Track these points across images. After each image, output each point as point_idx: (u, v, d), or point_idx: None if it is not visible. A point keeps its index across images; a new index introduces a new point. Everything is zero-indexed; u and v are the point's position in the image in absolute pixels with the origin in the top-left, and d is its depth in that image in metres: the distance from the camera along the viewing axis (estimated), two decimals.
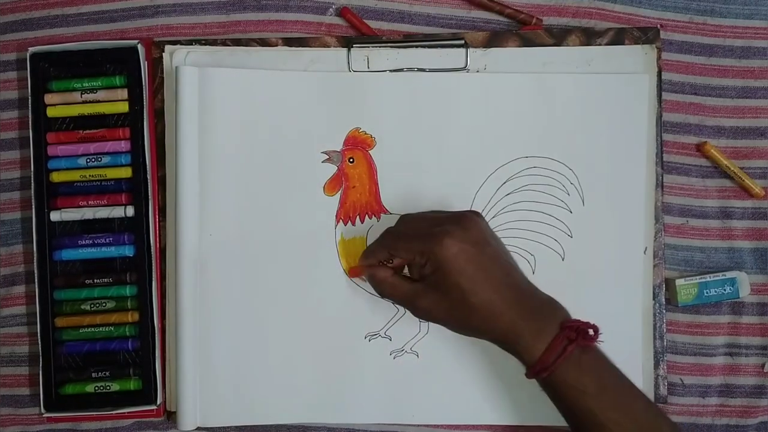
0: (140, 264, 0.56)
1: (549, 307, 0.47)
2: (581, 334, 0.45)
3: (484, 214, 0.56)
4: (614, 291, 0.56)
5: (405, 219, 0.51)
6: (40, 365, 0.56)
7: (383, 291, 0.50)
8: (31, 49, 0.56)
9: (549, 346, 0.45)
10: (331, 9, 0.59)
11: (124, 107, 0.57)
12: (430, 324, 0.56)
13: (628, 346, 0.56)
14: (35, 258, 0.56)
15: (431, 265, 0.47)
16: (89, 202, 0.56)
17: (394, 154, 0.56)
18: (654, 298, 0.57)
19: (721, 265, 0.58)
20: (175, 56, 0.57)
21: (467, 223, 0.47)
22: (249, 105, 0.56)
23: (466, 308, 0.46)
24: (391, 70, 0.57)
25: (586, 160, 0.56)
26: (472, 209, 0.50)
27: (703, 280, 0.57)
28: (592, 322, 0.46)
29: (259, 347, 0.56)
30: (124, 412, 0.56)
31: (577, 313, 0.56)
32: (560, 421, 0.57)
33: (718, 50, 0.59)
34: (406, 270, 0.51)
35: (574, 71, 0.57)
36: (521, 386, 0.56)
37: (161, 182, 0.57)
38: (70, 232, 0.57)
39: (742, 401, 0.57)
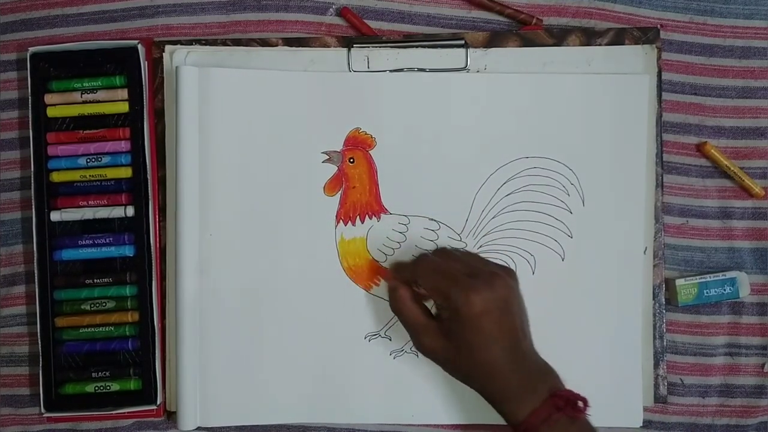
0: (140, 264, 0.56)
1: (543, 373, 0.47)
2: (569, 404, 0.45)
3: (483, 215, 0.56)
4: (614, 291, 0.56)
5: (444, 252, 0.51)
6: (40, 365, 0.56)
7: (397, 309, 0.50)
8: (32, 49, 0.56)
9: (534, 411, 0.45)
10: (331, 9, 0.59)
11: (124, 107, 0.56)
12: None
13: (628, 346, 0.56)
14: (35, 258, 0.56)
15: (450, 312, 0.47)
16: (89, 202, 0.56)
17: (395, 154, 0.56)
18: (654, 298, 0.57)
19: (721, 265, 0.58)
20: (175, 56, 0.57)
21: (498, 283, 0.47)
22: (249, 105, 0.56)
23: (469, 361, 0.47)
24: (391, 70, 0.57)
25: (586, 161, 0.56)
26: (509, 268, 0.50)
27: (703, 280, 0.57)
28: (582, 395, 0.46)
29: (259, 347, 0.56)
30: (124, 412, 0.56)
31: (576, 313, 0.56)
32: None
33: (718, 50, 0.59)
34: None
35: (574, 71, 0.57)
36: None
37: (161, 182, 0.57)
38: (70, 232, 0.57)
39: (742, 401, 0.57)
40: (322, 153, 0.56)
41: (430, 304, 0.51)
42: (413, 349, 0.56)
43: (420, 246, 0.56)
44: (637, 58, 0.57)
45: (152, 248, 0.56)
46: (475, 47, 0.57)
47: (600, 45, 0.57)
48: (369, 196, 0.56)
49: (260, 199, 0.56)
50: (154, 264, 0.56)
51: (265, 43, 0.57)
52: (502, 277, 0.47)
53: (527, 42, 0.57)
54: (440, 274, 0.48)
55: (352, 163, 0.56)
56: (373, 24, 0.59)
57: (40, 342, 0.56)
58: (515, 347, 0.47)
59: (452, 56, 0.57)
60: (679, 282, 0.57)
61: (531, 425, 0.44)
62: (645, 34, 0.57)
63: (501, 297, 0.46)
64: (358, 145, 0.56)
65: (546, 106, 0.56)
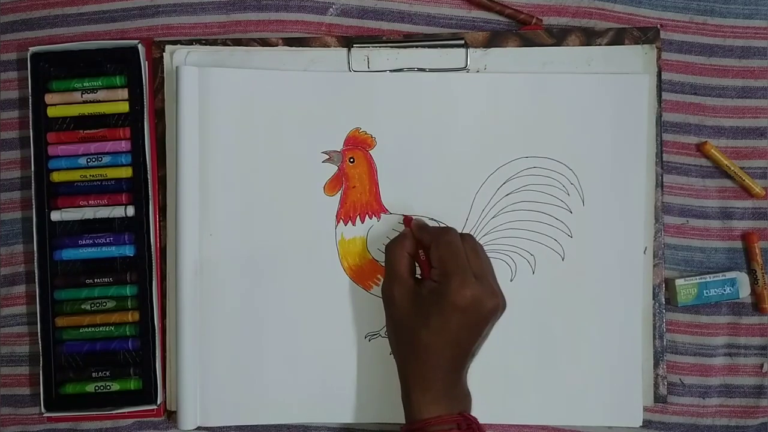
0: (140, 264, 0.56)
1: (464, 394, 0.50)
2: (471, 428, 0.47)
3: (483, 215, 0.56)
4: (614, 291, 0.56)
5: (472, 241, 0.51)
6: (41, 365, 0.56)
7: (392, 250, 0.51)
8: (32, 49, 0.56)
9: (440, 416, 0.47)
10: (331, 9, 0.59)
11: (124, 107, 0.57)
12: None
13: (628, 346, 0.56)
14: (35, 258, 0.56)
15: (438, 287, 0.48)
16: (89, 202, 0.56)
17: (395, 154, 0.56)
18: (654, 298, 0.57)
19: (721, 265, 0.58)
20: (176, 56, 0.57)
21: (490, 301, 0.48)
22: (249, 105, 0.56)
23: (415, 334, 0.48)
24: (391, 70, 0.57)
25: (586, 160, 0.56)
26: (505, 301, 0.50)
27: (703, 280, 0.57)
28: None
29: (259, 347, 0.56)
30: (124, 412, 0.56)
31: (577, 313, 0.56)
32: (561, 421, 0.58)
33: (718, 50, 0.59)
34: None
35: (574, 71, 0.57)
36: (519, 386, 0.56)
37: (161, 182, 0.57)
38: (70, 232, 0.57)
39: (742, 401, 0.57)
40: (322, 153, 0.56)
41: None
42: None
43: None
44: (637, 58, 0.57)
45: (152, 248, 0.56)
46: (475, 47, 0.57)
47: (600, 45, 0.57)
48: (369, 195, 0.56)
49: (260, 199, 0.56)
50: (154, 264, 0.56)
51: (265, 43, 0.57)
52: (498, 298, 0.49)
53: (527, 42, 0.57)
54: (454, 254, 0.49)
55: (352, 162, 0.56)
56: (373, 24, 0.59)
57: (40, 342, 0.56)
58: (459, 357, 0.48)
59: (452, 56, 0.57)
60: (679, 282, 0.57)
61: (427, 426, 0.47)
62: (645, 34, 0.57)
63: (485, 309, 0.48)
64: (358, 144, 0.56)
65: (546, 105, 0.56)
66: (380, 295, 0.55)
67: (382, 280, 0.56)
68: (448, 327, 0.47)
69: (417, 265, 0.52)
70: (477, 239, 0.56)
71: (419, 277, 0.52)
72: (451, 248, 0.49)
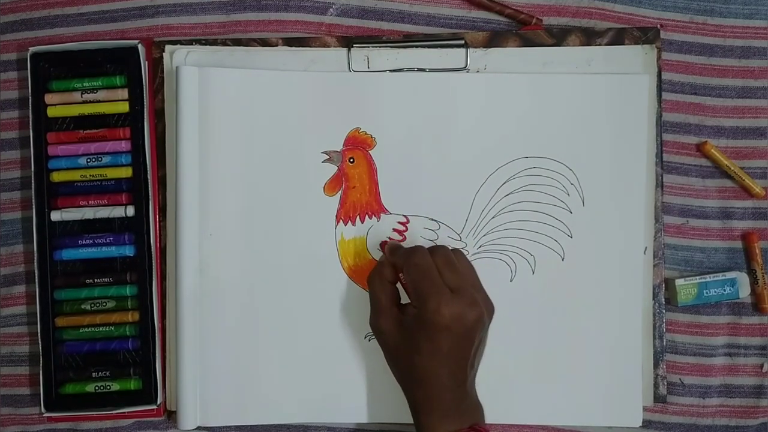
0: (140, 264, 0.56)
1: (474, 405, 0.49)
2: None
3: (483, 215, 0.56)
4: (614, 291, 0.56)
5: (445, 255, 0.50)
6: (40, 365, 0.56)
7: (372, 283, 0.51)
8: (32, 49, 0.56)
9: None
10: (331, 9, 0.59)
11: (124, 107, 0.57)
12: None
13: (628, 346, 0.56)
14: (35, 258, 0.56)
15: (418, 311, 0.47)
16: (89, 202, 0.56)
17: (394, 154, 0.56)
18: (654, 298, 0.57)
19: (721, 265, 0.58)
20: (176, 56, 0.57)
21: (473, 310, 0.47)
22: (249, 105, 0.56)
23: (410, 361, 0.48)
24: (391, 70, 0.57)
25: (586, 160, 0.56)
26: (492, 304, 0.50)
27: (703, 280, 0.57)
28: None
29: (259, 347, 0.56)
30: (124, 412, 0.56)
31: (576, 313, 0.56)
32: (561, 421, 0.58)
33: (718, 50, 0.59)
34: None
35: (574, 71, 0.57)
36: (520, 385, 0.56)
37: (161, 182, 0.57)
38: (70, 232, 0.57)
39: (742, 401, 0.57)
40: (322, 153, 0.56)
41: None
42: None
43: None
44: (637, 58, 0.57)
45: (152, 248, 0.56)
46: (475, 47, 0.57)
47: (600, 45, 0.57)
48: (369, 195, 0.56)
49: (260, 199, 0.56)
50: (154, 264, 0.56)
51: (265, 43, 0.57)
52: (479, 307, 0.48)
53: (527, 42, 0.57)
54: (425, 275, 0.48)
55: (352, 163, 0.56)
56: (373, 24, 0.59)
57: (40, 342, 0.56)
58: (458, 373, 0.48)
59: (452, 56, 0.57)
60: (679, 282, 0.57)
61: None
62: (645, 34, 0.57)
63: (469, 322, 0.47)
64: (358, 145, 0.56)
65: (546, 105, 0.56)
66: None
67: None
68: (438, 348, 0.47)
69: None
70: (477, 239, 0.56)
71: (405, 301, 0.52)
72: (420, 269, 0.48)
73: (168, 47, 0.57)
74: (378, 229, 0.56)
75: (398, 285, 0.52)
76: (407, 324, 0.49)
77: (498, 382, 0.56)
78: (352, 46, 0.57)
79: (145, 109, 0.56)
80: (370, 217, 0.56)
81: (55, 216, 0.56)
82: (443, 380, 0.47)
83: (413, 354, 0.48)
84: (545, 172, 0.56)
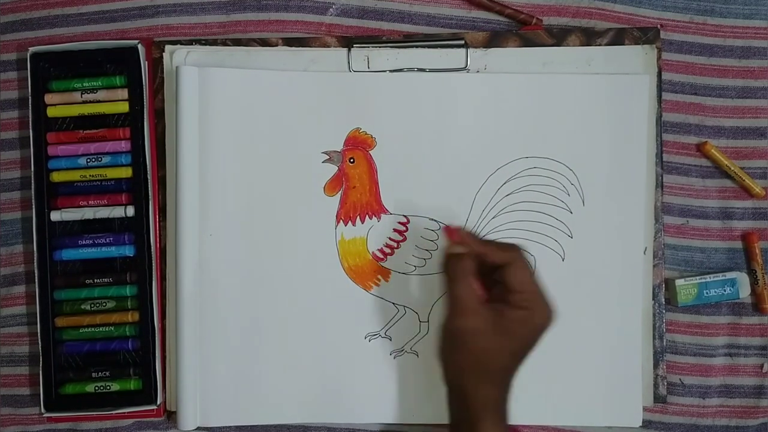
0: (140, 264, 0.56)
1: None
2: None
3: (483, 215, 0.56)
4: (614, 291, 0.56)
5: (526, 271, 0.47)
6: (40, 365, 0.56)
7: (454, 279, 0.46)
8: (32, 49, 0.56)
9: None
10: (331, 9, 0.59)
11: (124, 107, 0.57)
12: (430, 324, 0.56)
13: (627, 346, 0.56)
14: (35, 258, 0.56)
15: (519, 312, 0.45)
16: (89, 202, 0.56)
17: (395, 154, 0.56)
18: (654, 298, 0.57)
19: (721, 265, 0.58)
20: (176, 56, 0.57)
21: (553, 316, 0.47)
22: (249, 105, 0.56)
23: (503, 361, 0.46)
24: (391, 70, 0.57)
25: (586, 161, 0.56)
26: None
27: (703, 280, 0.57)
28: None
29: (259, 347, 0.56)
30: (124, 412, 0.56)
31: (577, 313, 0.56)
32: (561, 421, 0.58)
33: (718, 50, 0.59)
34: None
35: (574, 71, 0.57)
36: (520, 386, 0.56)
37: (161, 182, 0.57)
38: (70, 232, 0.57)
39: (742, 402, 0.57)
40: (322, 153, 0.56)
41: None
42: (413, 348, 0.56)
43: (420, 246, 0.56)
44: (637, 58, 0.57)
45: (152, 248, 0.56)
46: (475, 47, 0.57)
47: (600, 45, 0.57)
48: (369, 196, 0.56)
49: (260, 199, 0.56)
50: (154, 264, 0.56)
51: (265, 43, 0.57)
52: (554, 314, 0.47)
53: (527, 42, 0.57)
54: (533, 276, 0.46)
55: (352, 163, 0.56)
56: (373, 24, 0.59)
57: (40, 342, 0.56)
58: (512, 370, 0.47)
59: (452, 56, 0.57)
60: (679, 282, 0.57)
61: None
62: (645, 34, 0.57)
63: (549, 328, 0.47)
64: (358, 145, 0.56)
65: (546, 106, 0.56)
66: (380, 296, 0.55)
67: (382, 280, 0.56)
68: (529, 349, 0.47)
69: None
70: None
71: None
72: (529, 269, 0.46)
73: (168, 47, 0.57)
74: (378, 229, 0.56)
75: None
76: (506, 325, 0.45)
77: None
78: (352, 46, 0.57)
79: (145, 109, 0.56)
80: (371, 217, 0.56)
81: (55, 216, 0.56)
82: (513, 381, 0.47)
83: (506, 356, 0.46)
84: (545, 172, 0.56)
